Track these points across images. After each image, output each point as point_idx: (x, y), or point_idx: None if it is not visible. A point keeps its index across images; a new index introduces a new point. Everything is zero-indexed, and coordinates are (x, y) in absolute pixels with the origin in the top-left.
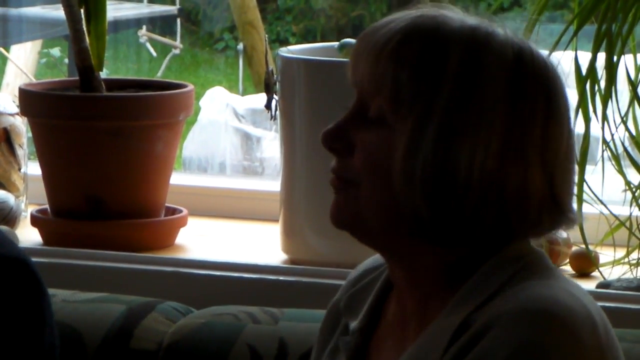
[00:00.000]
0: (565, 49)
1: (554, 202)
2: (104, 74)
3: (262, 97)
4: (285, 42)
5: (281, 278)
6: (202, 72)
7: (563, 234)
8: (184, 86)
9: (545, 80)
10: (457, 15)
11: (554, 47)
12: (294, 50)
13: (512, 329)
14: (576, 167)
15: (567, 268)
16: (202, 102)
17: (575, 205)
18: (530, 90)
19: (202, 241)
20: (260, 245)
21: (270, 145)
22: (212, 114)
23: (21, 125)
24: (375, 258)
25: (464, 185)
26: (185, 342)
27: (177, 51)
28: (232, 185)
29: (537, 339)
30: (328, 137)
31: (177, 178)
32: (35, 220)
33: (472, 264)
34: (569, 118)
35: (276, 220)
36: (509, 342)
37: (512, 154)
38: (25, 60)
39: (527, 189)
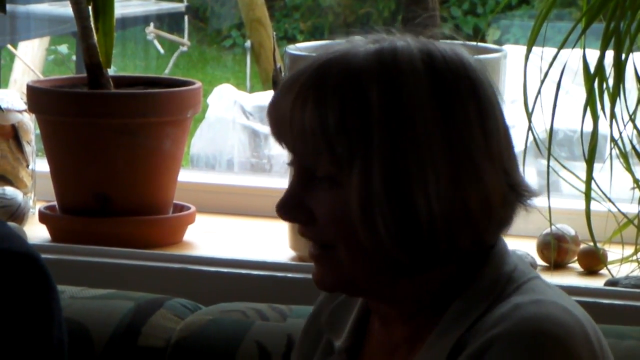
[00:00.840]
0: (573, 47)
1: (513, 191)
2: (111, 71)
3: (270, 94)
4: (292, 40)
5: (289, 275)
6: (210, 69)
7: (571, 231)
8: (192, 83)
9: (464, 76)
10: (360, 46)
11: (562, 45)
12: (302, 47)
13: (510, 351)
14: (588, 163)
15: (576, 266)
16: (210, 100)
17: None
18: (454, 92)
19: (210, 238)
20: (268, 242)
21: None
22: (220, 111)
23: (29, 122)
24: None
25: (429, 220)
26: (193, 339)
27: (184, 48)
28: (240, 182)
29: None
30: (284, 211)
31: (185, 175)
32: (43, 217)
33: (457, 284)
34: (498, 101)
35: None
36: None
37: (463, 167)
38: (32, 57)
39: (488, 194)
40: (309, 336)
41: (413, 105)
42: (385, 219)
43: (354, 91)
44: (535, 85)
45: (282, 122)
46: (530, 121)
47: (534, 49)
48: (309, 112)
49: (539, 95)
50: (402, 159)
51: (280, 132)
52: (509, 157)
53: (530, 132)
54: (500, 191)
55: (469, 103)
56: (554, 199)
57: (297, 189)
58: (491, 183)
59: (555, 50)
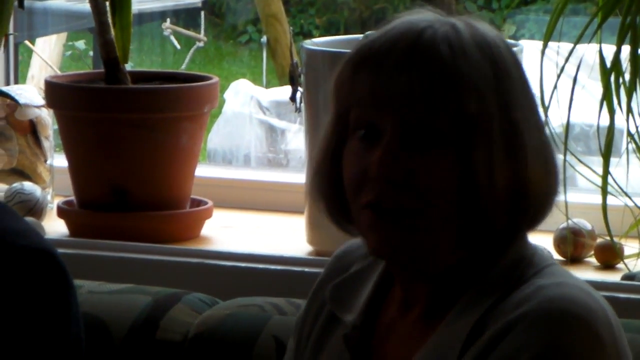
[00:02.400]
0: (589, 42)
1: (553, 172)
2: (128, 67)
3: (286, 90)
4: (308, 35)
5: (306, 269)
6: (226, 64)
7: (587, 225)
8: (209, 78)
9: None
10: (432, 17)
11: (578, 40)
12: (318, 42)
13: (535, 330)
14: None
15: (592, 260)
16: (227, 95)
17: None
18: (520, 63)
19: (227, 233)
20: (285, 236)
21: (295, 137)
22: (236, 107)
23: (47, 118)
24: (353, 245)
25: (534, 191)
26: (211, 333)
27: (201, 44)
28: (257, 177)
29: (560, 340)
30: (386, 169)
31: (202, 170)
32: (61, 212)
33: (480, 265)
34: None
35: (301, 212)
36: (533, 343)
37: (541, 144)
38: (50, 53)
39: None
40: (311, 311)
41: (512, 72)
42: (507, 181)
43: (470, 53)
44: (551, 80)
45: (385, 85)
46: (546, 116)
47: (550, 44)
48: (435, 69)
49: (555, 90)
50: (517, 129)
51: (378, 97)
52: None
53: (546, 126)
54: (539, 170)
55: (530, 86)
56: (571, 193)
57: (398, 147)
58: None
59: (571, 45)
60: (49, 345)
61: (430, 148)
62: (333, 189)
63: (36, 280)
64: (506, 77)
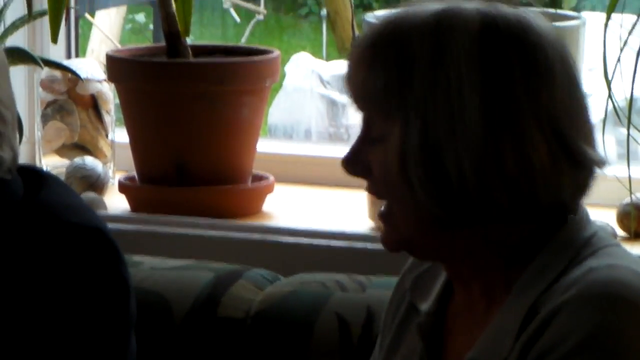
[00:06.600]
0: None
1: (568, 157)
2: (188, 40)
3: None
4: (368, 7)
5: (369, 245)
6: (286, 37)
7: None
8: (270, 52)
9: (517, 37)
10: (422, 8)
11: None
12: (380, 15)
13: (580, 315)
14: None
15: None
16: (288, 68)
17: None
18: (501, 53)
19: (288, 208)
20: (347, 212)
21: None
22: (297, 80)
23: (108, 92)
24: None
25: (458, 175)
26: (273, 310)
27: (260, 17)
28: (318, 152)
29: (605, 323)
30: (345, 164)
31: (263, 145)
32: (122, 187)
33: (531, 246)
34: (565, 67)
35: (363, 187)
36: (578, 328)
37: (498, 128)
38: (110, 27)
39: (529, 154)
40: (394, 301)
41: (453, 63)
42: (418, 173)
43: (401, 49)
44: (614, 53)
45: (346, 83)
46: (609, 89)
47: (613, 15)
48: (361, 72)
49: (619, 64)
50: (434, 115)
51: (346, 83)
52: (569, 122)
53: (609, 100)
54: (546, 153)
55: (513, 64)
56: (634, 167)
57: (358, 144)
58: (533, 144)
59: (634, 17)
60: (111, 322)
61: (377, 143)
62: None
63: (94, 258)
64: (446, 60)
